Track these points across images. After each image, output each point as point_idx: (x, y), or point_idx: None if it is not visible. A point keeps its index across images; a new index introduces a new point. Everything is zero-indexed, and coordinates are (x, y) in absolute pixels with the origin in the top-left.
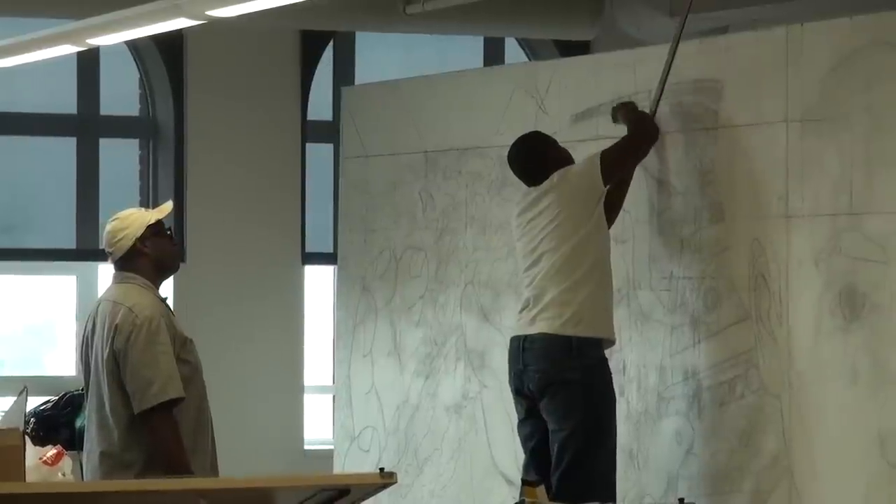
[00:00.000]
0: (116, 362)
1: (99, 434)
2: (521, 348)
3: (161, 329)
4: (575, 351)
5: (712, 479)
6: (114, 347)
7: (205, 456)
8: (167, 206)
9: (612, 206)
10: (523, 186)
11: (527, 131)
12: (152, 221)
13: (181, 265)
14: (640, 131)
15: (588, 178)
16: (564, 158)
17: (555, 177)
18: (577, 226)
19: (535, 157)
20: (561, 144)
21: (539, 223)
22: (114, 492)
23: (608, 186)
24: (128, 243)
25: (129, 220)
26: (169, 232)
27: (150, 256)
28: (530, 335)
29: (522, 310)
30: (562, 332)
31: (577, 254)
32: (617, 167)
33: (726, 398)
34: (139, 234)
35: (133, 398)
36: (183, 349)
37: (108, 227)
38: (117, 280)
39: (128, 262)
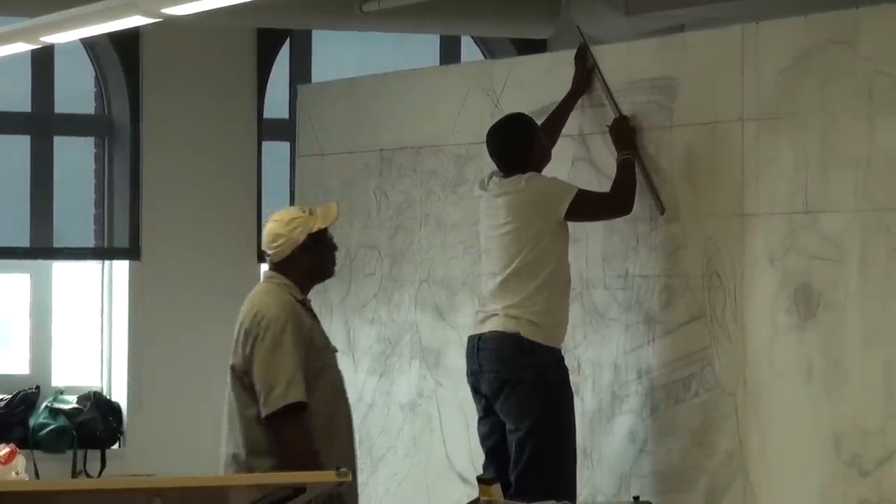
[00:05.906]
0: (244, 367)
1: (229, 436)
2: (477, 348)
3: (287, 330)
4: (527, 351)
5: (666, 477)
6: (244, 351)
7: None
8: (332, 213)
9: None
10: (484, 172)
11: (506, 116)
12: (315, 230)
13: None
14: (621, 194)
15: (555, 200)
16: (541, 157)
17: (524, 180)
18: (530, 239)
19: (517, 148)
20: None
21: (496, 220)
22: (67, 490)
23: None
24: (286, 250)
25: (291, 224)
26: (331, 237)
27: (307, 265)
28: (484, 334)
29: (479, 311)
30: (515, 330)
31: (531, 267)
32: (586, 216)
33: (681, 396)
34: (300, 241)
35: (259, 402)
36: (315, 356)
37: (268, 228)
38: (264, 279)
39: (280, 265)
